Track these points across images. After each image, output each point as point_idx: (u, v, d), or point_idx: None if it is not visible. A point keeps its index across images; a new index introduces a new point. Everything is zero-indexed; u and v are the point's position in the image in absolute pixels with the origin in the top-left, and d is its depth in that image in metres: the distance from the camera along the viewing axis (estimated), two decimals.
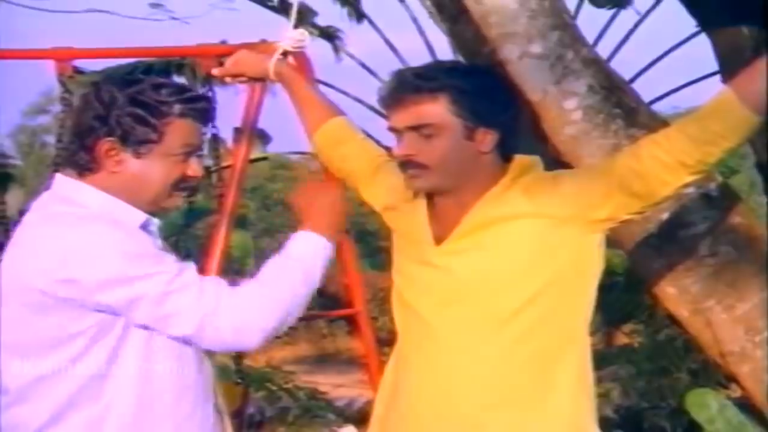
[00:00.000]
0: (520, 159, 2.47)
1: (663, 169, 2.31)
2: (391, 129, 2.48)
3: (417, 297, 2.49)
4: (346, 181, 2.83)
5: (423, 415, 2.45)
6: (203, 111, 2.35)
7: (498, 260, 2.40)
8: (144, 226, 2.31)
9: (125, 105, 2.27)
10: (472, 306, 2.41)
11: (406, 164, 2.45)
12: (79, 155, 2.30)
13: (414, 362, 2.49)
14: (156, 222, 2.36)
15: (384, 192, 2.66)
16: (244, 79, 2.97)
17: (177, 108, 2.29)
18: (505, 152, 2.45)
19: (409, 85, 2.44)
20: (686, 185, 2.38)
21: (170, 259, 2.25)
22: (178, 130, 2.30)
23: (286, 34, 2.93)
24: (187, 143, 2.31)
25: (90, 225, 2.22)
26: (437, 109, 2.41)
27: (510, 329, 2.38)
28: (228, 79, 3.00)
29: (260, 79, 2.97)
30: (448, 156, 2.41)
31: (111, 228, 2.22)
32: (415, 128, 2.42)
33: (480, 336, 2.40)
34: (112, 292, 2.17)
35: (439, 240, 2.46)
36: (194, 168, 2.34)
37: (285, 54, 2.93)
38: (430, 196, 2.50)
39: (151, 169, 2.29)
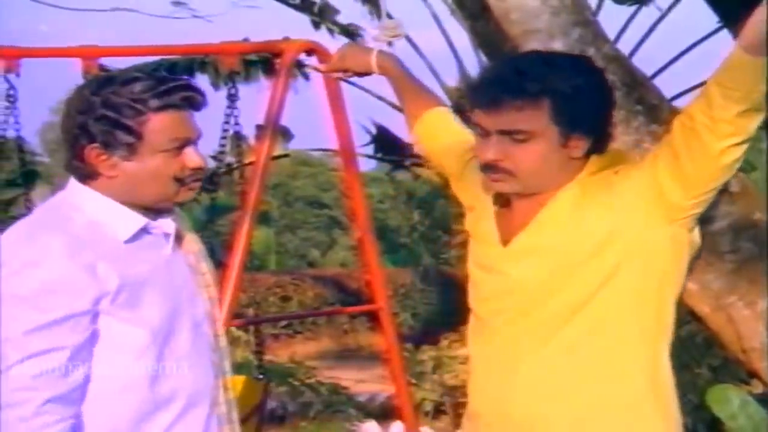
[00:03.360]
0: (596, 155, 2.37)
1: (714, 120, 2.28)
2: (476, 125, 2.35)
3: (478, 302, 2.44)
4: (442, 172, 2.77)
5: (481, 420, 2.42)
6: (186, 99, 2.23)
7: (557, 259, 2.31)
8: (145, 230, 2.25)
9: (99, 109, 2.19)
10: (529, 307, 2.33)
11: (490, 167, 2.33)
12: (74, 163, 2.24)
13: (476, 364, 2.45)
14: (159, 225, 2.27)
15: (465, 192, 2.59)
16: (349, 74, 2.91)
17: (153, 103, 2.19)
18: (592, 153, 2.35)
19: (510, 86, 2.28)
20: (741, 143, 2.29)
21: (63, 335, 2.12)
22: (160, 126, 2.20)
23: (382, 24, 2.92)
24: (174, 137, 2.22)
25: (27, 246, 2.16)
26: (537, 116, 2.27)
27: (568, 330, 2.30)
28: (335, 75, 3.03)
29: (365, 74, 2.88)
30: (538, 163, 2.30)
31: (42, 255, 2.14)
32: (507, 132, 2.29)
33: (537, 337, 2.33)
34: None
35: (506, 241, 2.38)
36: (192, 159, 2.24)
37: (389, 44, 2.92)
38: (504, 196, 2.40)
39: (145, 168, 2.21)
